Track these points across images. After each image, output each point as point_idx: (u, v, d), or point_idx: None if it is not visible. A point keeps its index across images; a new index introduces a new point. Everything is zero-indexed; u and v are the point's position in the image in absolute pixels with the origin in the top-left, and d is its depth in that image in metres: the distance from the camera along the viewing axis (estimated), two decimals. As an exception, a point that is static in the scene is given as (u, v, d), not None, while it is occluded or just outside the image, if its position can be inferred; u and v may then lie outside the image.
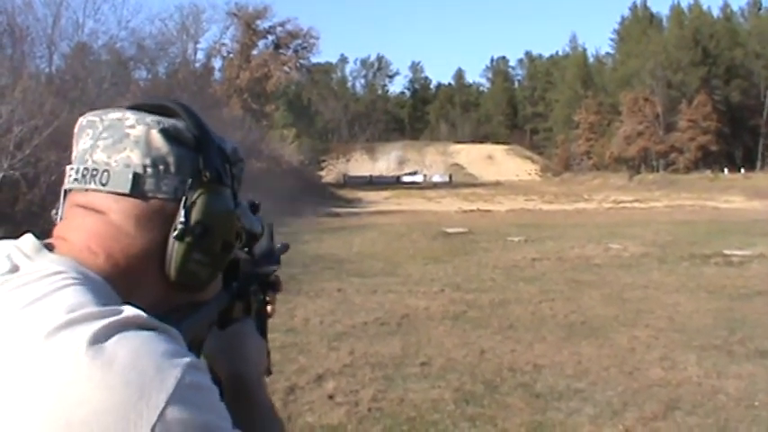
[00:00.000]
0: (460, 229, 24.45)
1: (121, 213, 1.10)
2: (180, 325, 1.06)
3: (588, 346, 9.12)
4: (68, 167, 1.16)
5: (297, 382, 7.89)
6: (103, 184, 1.10)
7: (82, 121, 1.18)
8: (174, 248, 1.11)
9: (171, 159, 1.12)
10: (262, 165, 34.25)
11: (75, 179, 1.14)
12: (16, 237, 1.10)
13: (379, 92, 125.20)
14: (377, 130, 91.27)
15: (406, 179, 71.26)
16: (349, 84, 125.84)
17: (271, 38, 57.19)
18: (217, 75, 51.01)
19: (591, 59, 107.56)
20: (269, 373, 1.53)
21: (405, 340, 9.61)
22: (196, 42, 49.06)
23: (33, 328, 0.92)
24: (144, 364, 0.91)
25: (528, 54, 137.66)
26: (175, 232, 1.11)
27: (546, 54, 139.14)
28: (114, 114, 1.14)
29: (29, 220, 10.88)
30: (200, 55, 49.46)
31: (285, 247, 1.88)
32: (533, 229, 24.31)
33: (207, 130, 1.18)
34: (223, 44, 53.58)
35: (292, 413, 7.03)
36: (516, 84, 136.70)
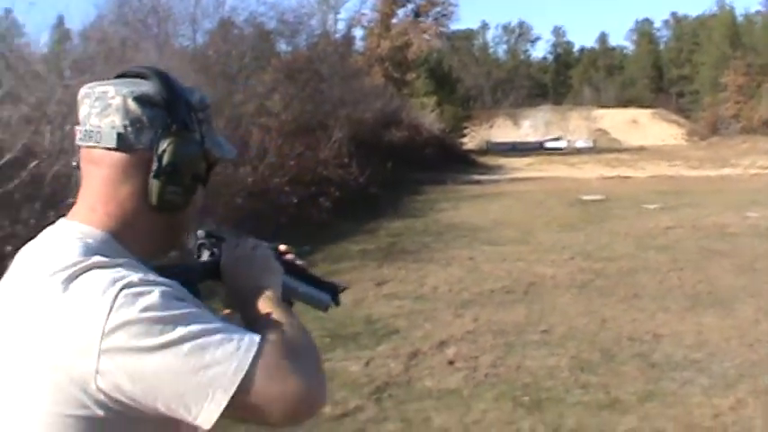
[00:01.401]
0: (597, 197, 24.24)
1: (113, 166, 1.49)
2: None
3: (711, 317, 9.10)
4: (76, 128, 1.54)
5: (420, 348, 8.19)
6: (98, 142, 1.49)
7: (81, 92, 1.54)
8: (154, 185, 1.49)
9: (144, 119, 1.49)
10: (402, 133, 34.49)
11: (81, 138, 1.52)
12: None
13: (522, 57, 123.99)
14: (519, 95, 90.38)
15: (550, 145, 70.31)
16: (491, 50, 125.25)
17: (410, 6, 57.34)
18: (358, 45, 51.62)
19: (739, 18, 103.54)
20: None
21: (529, 308, 9.80)
22: (336, 13, 49.69)
23: (35, 276, 1.40)
24: (94, 290, 1.32)
25: (674, 15, 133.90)
26: (152, 173, 1.48)
27: (692, 14, 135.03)
28: (101, 88, 1.51)
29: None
30: (340, 26, 50.05)
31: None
32: (672, 197, 23.86)
33: (174, 90, 1.53)
34: (363, 14, 54.01)
35: (413, 377, 7.33)
36: (661, 46, 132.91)
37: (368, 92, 32.73)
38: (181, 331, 1.30)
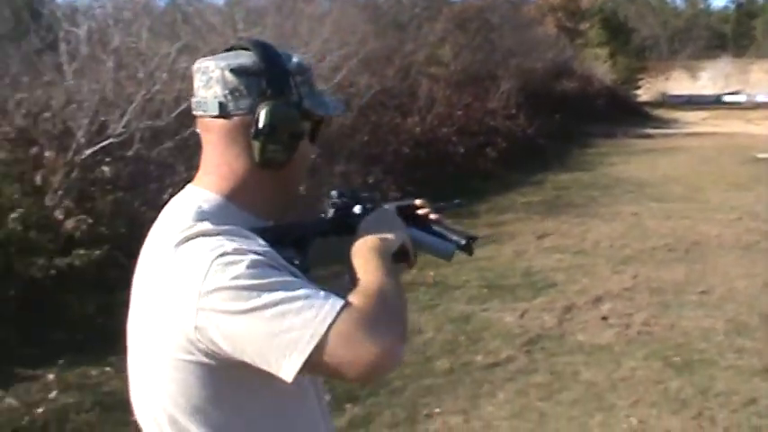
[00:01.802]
0: (774, 155, 23.34)
1: (219, 132, 1.72)
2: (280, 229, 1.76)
3: None
4: (191, 99, 1.77)
5: (575, 302, 8.32)
6: (205, 111, 1.72)
7: (193, 67, 1.77)
8: (255, 145, 1.69)
9: (242, 87, 1.69)
10: (573, 84, 33.98)
11: (194, 108, 1.75)
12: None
13: (701, 6, 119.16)
14: (697, 47, 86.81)
15: (728, 99, 67.59)
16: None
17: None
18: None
19: None
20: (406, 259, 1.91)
21: (689, 267, 9.73)
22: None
23: (160, 239, 1.66)
24: (195, 256, 1.55)
25: None
26: (252, 134, 1.69)
27: None
28: (205, 63, 1.73)
29: (340, 141, 11.79)
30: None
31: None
32: None
33: (269, 59, 1.72)
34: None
35: (566, 331, 7.47)
36: None
37: (539, 42, 32.38)
38: (265, 298, 1.49)
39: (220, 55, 1.77)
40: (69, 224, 7.57)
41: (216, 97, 1.70)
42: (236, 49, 1.79)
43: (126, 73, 9.52)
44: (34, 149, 8.26)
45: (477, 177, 16.22)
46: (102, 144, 8.41)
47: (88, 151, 8.35)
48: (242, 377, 1.59)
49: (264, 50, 1.74)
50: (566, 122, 25.37)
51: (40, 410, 5.70)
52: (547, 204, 14.73)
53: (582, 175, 18.84)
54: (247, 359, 1.53)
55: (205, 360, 1.56)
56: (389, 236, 1.83)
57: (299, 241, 1.78)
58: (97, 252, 7.35)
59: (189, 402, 1.62)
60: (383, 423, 5.64)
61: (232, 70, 1.70)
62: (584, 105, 32.37)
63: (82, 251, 7.10)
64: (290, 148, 1.73)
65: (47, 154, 8.20)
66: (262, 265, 1.54)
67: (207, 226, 1.61)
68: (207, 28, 11.27)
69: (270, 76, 1.70)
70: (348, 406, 5.80)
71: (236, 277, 1.50)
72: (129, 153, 8.70)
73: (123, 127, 8.62)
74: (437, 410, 5.81)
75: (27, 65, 8.69)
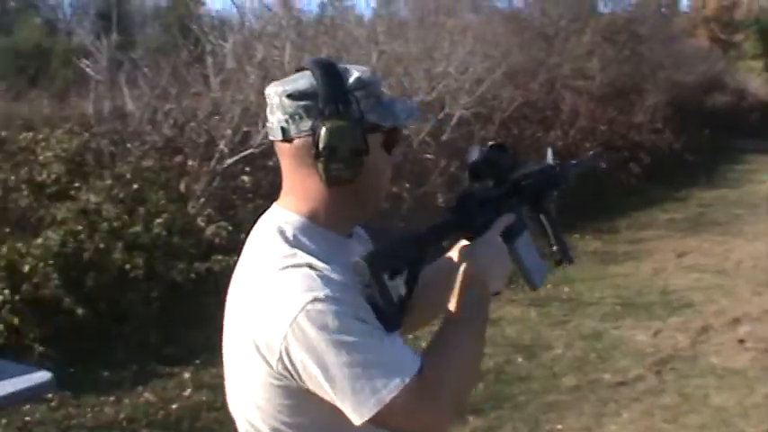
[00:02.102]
0: None
1: (289, 155, 1.81)
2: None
3: None
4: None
5: (712, 323, 8.14)
6: (275, 137, 1.81)
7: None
8: (318, 165, 1.75)
9: (300, 111, 1.75)
10: (725, 98, 32.98)
11: (268, 133, 1.86)
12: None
13: None
14: None
15: None
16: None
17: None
18: (684, 5, 49.57)
19: None
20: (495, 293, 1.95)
21: (839, 293, 9.35)
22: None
23: (252, 262, 1.83)
24: (292, 290, 1.67)
25: None
26: (313, 156, 1.75)
27: None
28: (268, 90, 1.81)
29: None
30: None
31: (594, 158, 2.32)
32: None
33: (326, 78, 1.76)
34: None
35: (699, 352, 7.33)
36: None
37: (690, 54, 31.56)
38: (343, 357, 1.63)
39: (282, 80, 1.84)
40: (210, 230, 7.86)
41: (279, 122, 1.79)
42: (300, 70, 1.84)
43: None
44: (179, 158, 8.63)
45: (619, 193, 15.96)
46: (243, 153, 8.68)
47: (230, 160, 8.64)
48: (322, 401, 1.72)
49: (322, 70, 1.78)
50: (715, 137, 24.67)
51: (174, 406, 6.00)
52: (690, 221, 14.37)
53: (728, 192, 18.27)
54: (323, 395, 1.69)
55: (291, 384, 1.71)
56: (497, 281, 1.92)
57: (412, 265, 1.82)
58: (235, 258, 7.58)
59: (272, 418, 1.78)
60: (503, 437, 5.67)
61: (289, 96, 1.77)
62: (736, 120, 31.33)
63: (220, 257, 7.35)
64: (354, 165, 1.77)
65: (191, 163, 8.54)
66: (348, 317, 1.66)
67: (307, 259, 1.72)
68: (350, 41, 11.48)
69: (326, 96, 1.75)
70: (471, 418, 5.86)
71: (322, 328, 1.64)
72: (270, 163, 8.97)
73: (264, 138, 8.89)
74: (559, 427, 5.83)
75: (176, 77, 9.06)
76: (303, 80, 1.79)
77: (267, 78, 9.56)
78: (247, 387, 1.79)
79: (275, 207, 1.88)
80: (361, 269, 1.70)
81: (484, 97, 12.45)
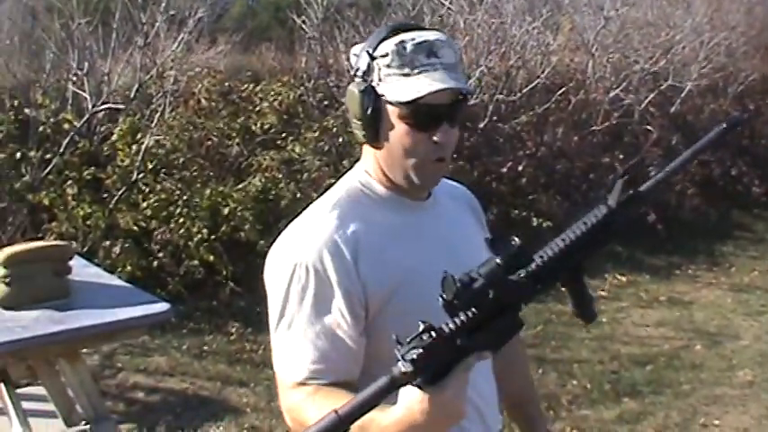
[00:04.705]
0: None
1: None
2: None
3: None
4: None
5: None
6: None
7: None
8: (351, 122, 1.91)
9: (352, 71, 1.88)
10: None
11: None
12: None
13: None
14: None
15: None
16: None
17: None
18: None
19: None
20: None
21: None
22: None
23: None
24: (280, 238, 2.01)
25: None
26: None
27: None
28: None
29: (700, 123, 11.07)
30: None
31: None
32: None
33: (367, 42, 1.85)
34: None
35: None
36: None
37: None
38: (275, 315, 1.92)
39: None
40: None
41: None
42: None
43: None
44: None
45: None
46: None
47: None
48: None
49: (374, 35, 1.86)
50: None
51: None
52: None
53: None
54: None
55: None
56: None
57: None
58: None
59: None
60: (651, 423, 5.46)
61: (349, 57, 1.93)
62: None
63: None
64: (371, 126, 1.84)
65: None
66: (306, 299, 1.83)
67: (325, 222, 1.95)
68: (570, 4, 11.32)
69: (357, 62, 1.86)
70: (626, 399, 5.71)
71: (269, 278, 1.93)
72: (481, 125, 9.03)
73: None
74: (716, 422, 5.49)
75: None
76: (357, 47, 1.93)
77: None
78: None
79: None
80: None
81: (718, 68, 11.80)
